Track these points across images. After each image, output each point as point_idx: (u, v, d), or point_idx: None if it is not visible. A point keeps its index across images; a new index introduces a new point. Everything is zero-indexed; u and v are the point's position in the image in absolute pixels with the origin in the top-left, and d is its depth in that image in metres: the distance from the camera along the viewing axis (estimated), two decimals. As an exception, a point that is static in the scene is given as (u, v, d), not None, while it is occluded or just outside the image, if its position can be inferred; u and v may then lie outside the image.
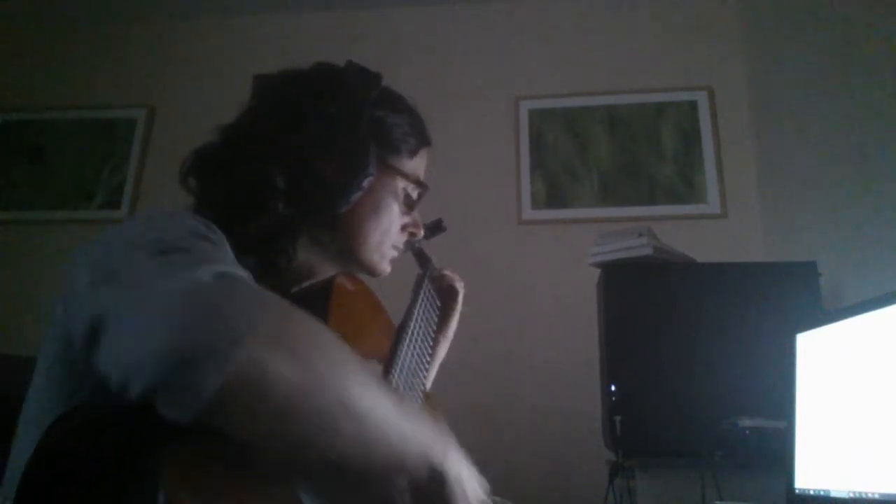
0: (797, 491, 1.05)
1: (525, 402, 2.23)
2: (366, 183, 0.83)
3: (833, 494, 0.96)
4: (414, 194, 0.91)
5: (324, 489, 0.57)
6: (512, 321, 2.32)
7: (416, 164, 0.92)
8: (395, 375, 0.82)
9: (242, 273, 0.57)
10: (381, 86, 0.89)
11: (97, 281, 0.54)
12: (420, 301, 1.01)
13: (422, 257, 1.13)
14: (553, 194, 2.49)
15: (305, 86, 0.87)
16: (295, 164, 0.80)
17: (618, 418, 1.45)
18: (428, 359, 0.97)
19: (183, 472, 0.47)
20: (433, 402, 0.97)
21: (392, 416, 0.56)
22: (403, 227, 0.92)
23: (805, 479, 1.05)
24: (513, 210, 2.48)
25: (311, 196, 0.81)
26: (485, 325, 2.25)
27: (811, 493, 1.02)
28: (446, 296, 1.14)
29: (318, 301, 0.75)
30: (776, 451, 1.17)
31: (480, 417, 2.14)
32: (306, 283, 0.87)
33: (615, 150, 2.52)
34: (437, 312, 1.10)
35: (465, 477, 0.61)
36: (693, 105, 2.52)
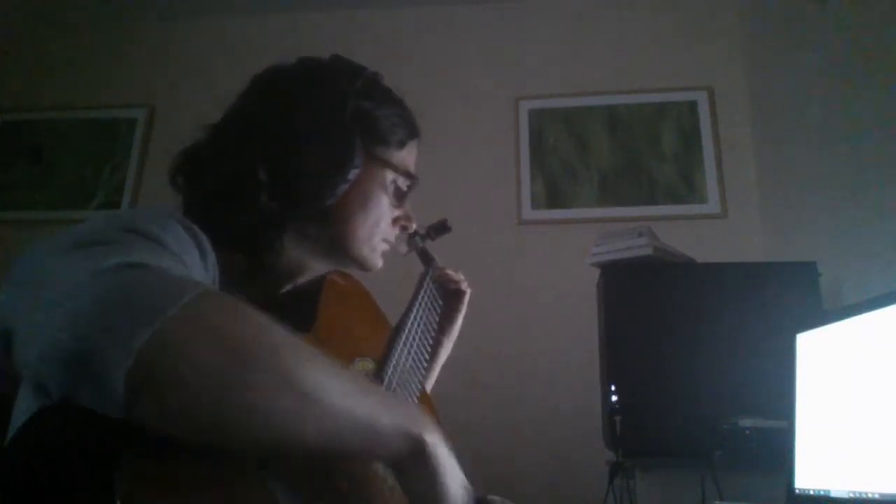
0: (797, 491, 1.05)
1: (525, 402, 2.22)
2: (352, 175, 0.82)
3: (833, 494, 0.96)
4: (404, 186, 0.89)
5: (298, 481, 0.55)
6: (512, 321, 2.32)
7: (405, 156, 0.90)
8: (388, 374, 0.81)
9: (167, 264, 0.53)
10: (366, 77, 0.88)
11: (13, 283, 0.53)
12: (420, 301, 1.00)
13: (425, 257, 1.12)
14: (553, 194, 2.49)
15: (289, 79, 0.86)
16: (278, 157, 0.79)
17: (618, 418, 1.45)
18: (426, 358, 0.95)
19: (145, 472, 0.45)
20: (430, 405, 0.96)
21: (353, 390, 0.53)
22: (395, 221, 0.90)
23: (805, 479, 1.05)
24: (513, 210, 2.48)
25: (295, 188, 0.79)
26: (485, 326, 2.25)
27: (811, 493, 1.02)
28: (450, 297, 1.13)
29: (308, 299, 0.74)
30: (776, 451, 1.17)
31: (480, 417, 2.14)
32: (299, 280, 0.87)
33: (615, 150, 2.52)
34: (439, 312, 1.09)
35: (449, 456, 0.59)
36: (693, 105, 2.52)
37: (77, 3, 2.85)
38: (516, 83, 2.64)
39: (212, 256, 0.64)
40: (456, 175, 2.45)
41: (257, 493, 0.52)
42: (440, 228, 1.11)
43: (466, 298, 1.15)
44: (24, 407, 0.58)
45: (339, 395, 0.51)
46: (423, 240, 1.13)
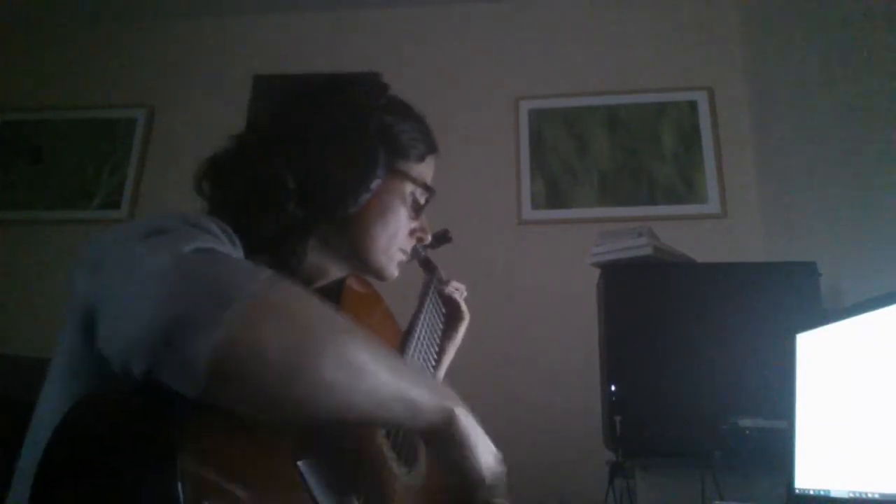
0: (797, 491, 1.05)
1: (525, 402, 2.22)
2: (374, 185, 0.85)
3: (833, 494, 0.96)
4: (421, 199, 0.93)
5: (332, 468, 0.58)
6: (512, 321, 2.32)
7: (424, 170, 0.93)
8: None
9: (230, 250, 0.58)
10: (389, 94, 0.92)
11: (90, 270, 0.56)
12: (426, 309, 1.02)
13: (428, 266, 1.15)
14: (553, 194, 2.49)
15: (317, 93, 0.90)
16: (305, 166, 0.82)
17: (618, 418, 1.45)
18: (433, 364, 0.98)
19: (204, 447, 0.47)
20: None
21: (398, 367, 0.58)
22: (411, 232, 0.94)
23: (805, 479, 1.05)
24: (513, 210, 2.48)
25: (320, 196, 0.83)
26: (485, 325, 2.24)
27: (811, 493, 1.02)
28: (451, 305, 1.16)
29: (330, 298, 0.76)
30: (776, 451, 1.17)
31: (480, 417, 2.13)
32: (318, 284, 0.89)
33: (615, 150, 2.52)
34: (443, 319, 1.11)
35: (481, 431, 0.66)
36: (693, 105, 2.52)
37: (77, 3, 2.85)
38: (516, 83, 2.64)
39: (241, 253, 0.67)
40: (456, 175, 2.44)
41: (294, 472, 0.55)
42: (441, 238, 1.14)
43: (465, 325, 1.18)
44: (53, 397, 0.61)
45: (386, 370, 0.56)
46: (424, 248, 1.15)
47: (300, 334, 0.51)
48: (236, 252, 0.65)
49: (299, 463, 0.56)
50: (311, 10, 2.81)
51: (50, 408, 0.62)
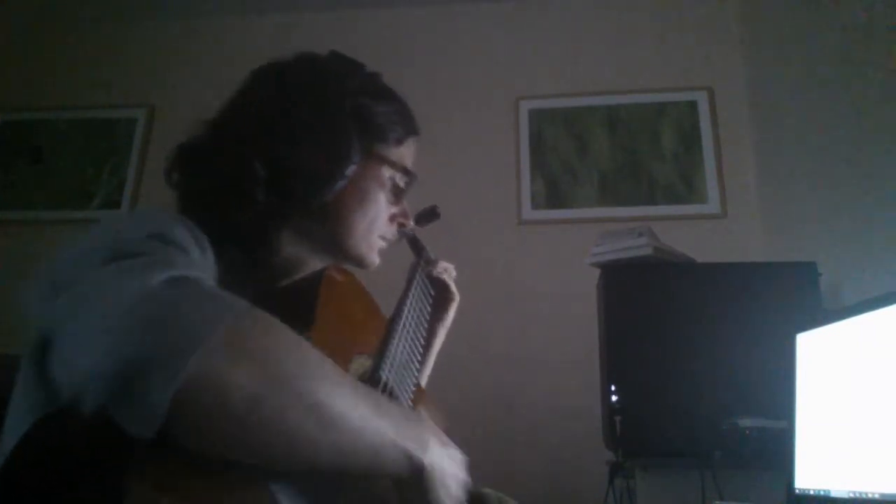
0: (797, 491, 1.05)
1: (525, 402, 2.22)
2: (349, 171, 0.81)
3: (833, 494, 0.96)
4: (402, 183, 0.89)
5: (306, 490, 0.56)
6: (512, 321, 2.32)
7: (403, 153, 0.90)
8: (385, 371, 0.80)
9: (201, 274, 0.55)
10: (364, 74, 0.88)
11: (50, 290, 0.53)
12: (412, 292, 0.98)
13: (416, 245, 1.10)
14: (553, 194, 2.49)
15: (287, 75, 0.86)
16: (275, 153, 0.79)
17: (618, 418, 1.45)
18: (420, 350, 0.95)
19: (162, 475, 0.45)
20: (426, 397, 0.95)
21: (366, 414, 0.55)
22: (392, 218, 0.91)
23: (805, 479, 1.05)
24: (513, 210, 2.48)
25: (292, 185, 0.79)
26: (485, 325, 2.25)
27: (811, 493, 1.02)
28: (440, 286, 1.12)
29: (307, 295, 0.73)
30: (776, 451, 1.17)
31: (480, 417, 2.14)
32: (297, 276, 0.86)
33: (615, 150, 2.52)
34: (431, 302, 1.08)
35: (447, 467, 0.63)
36: (693, 105, 2.52)
37: (77, 3, 2.85)
38: (516, 83, 2.64)
39: (211, 255, 0.64)
40: (456, 175, 2.45)
41: (261, 494, 0.53)
42: (429, 215, 1.10)
43: (455, 305, 1.15)
44: (20, 412, 0.58)
45: (356, 419, 0.54)
46: (412, 227, 1.11)
47: (267, 381, 0.48)
48: (206, 259, 0.63)
49: (272, 486, 0.53)
50: (311, 10, 2.81)
51: (14, 419, 0.60)
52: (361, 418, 0.54)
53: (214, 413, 0.46)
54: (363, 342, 0.82)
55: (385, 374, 0.79)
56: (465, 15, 2.77)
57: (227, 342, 0.47)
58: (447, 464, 0.63)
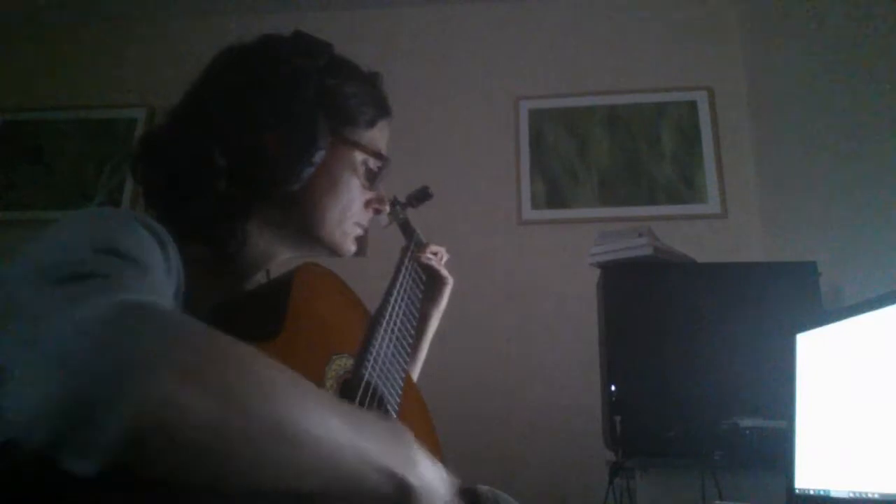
0: (797, 491, 1.05)
1: (525, 402, 2.22)
2: (317, 157, 0.78)
3: (833, 494, 0.96)
4: (375, 167, 0.85)
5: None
6: (512, 321, 2.32)
7: (375, 136, 0.86)
8: (368, 369, 0.76)
9: (154, 297, 0.51)
10: (331, 54, 0.84)
11: None
12: (400, 280, 0.95)
13: (406, 229, 1.07)
14: (553, 194, 2.49)
15: (248, 57, 0.83)
16: (237, 141, 0.75)
17: (618, 418, 1.45)
18: (409, 341, 0.91)
19: None
20: (415, 393, 0.91)
21: (344, 436, 0.51)
22: (367, 203, 0.86)
23: (805, 479, 1.05)
24: (513, 210, 2.48)
25: (255, 173, 0.76)
26: (485, 325, 2.25)
27: (811, 493, 1.02)
28: (430, 272, 1.09)
29: (277, 295, 0.70)
30: (776, 451, 1.17)
31: (481, 417, 2.14)
32: (268, 268, 0.83)
33: (615, 150, 2.52)
34: (422, 288, 1.04)
35: (432, 483, 0.58)
36: (693, 105, 2.52)
37: (77, 3, 2.85)
38: (516, 83, 2.64)
39: (175, 255, 0.62)
40: (456, 175, 2.45)
41: None
42: (421, 196, 1.07)
43: (448, 289, 1.11)
44: None
45: (330, 442, 0.50)
46: (403, 209, 1.07)
47: (226, 406, 0.45)
48: (168, 263, 0.60)
49: None
50: (311, 10, 2.82)
51: None
52: (340, 440, 0.50)
53: (169, 444, 0.42)
54: (342, 341, 0.78)
55: (367, 373, 0.76)
56: (465, 15, 2.77)
57: (182, 370, 0.43)
58: (436, 485, 0.58)
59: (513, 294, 2.36)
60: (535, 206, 2.48)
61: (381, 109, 0.87)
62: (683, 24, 2.63)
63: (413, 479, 0.54)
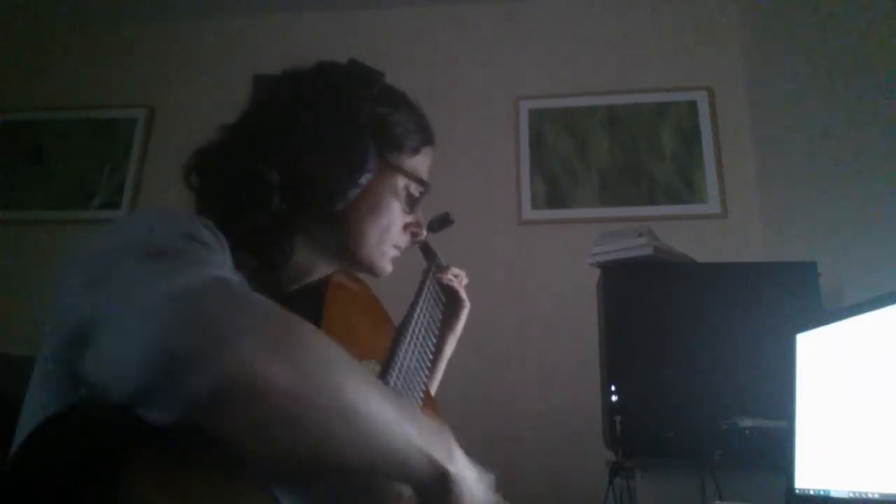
0: (797, 491, 1.05)
1: (525, 402, 2.23)
2: (364, 180, 0.82)
3: (833, 494, 0.96)
4: (416, 193, 0.89)
5: (306, 496, 0.56)
6: (512, 321, 2.32)
7: (419, 163, 0.90)
8: (394, 377, 0.80)
9: (234, 276, 0.56)
10: (382, 83, 0.88)
11: (88, 283, 0.53)
12: (423, 299, 0.99)
13: (427, 252, 1.11)
14: (553, 194, 2.49)
15: (304, 83, 0.87)
16: (291, 160, 0.80)
17: (618, 418, 1.45)
18: (430, 357, 0.95)
19: (156, 477, 0.45)
20: (434, 406, 0.95)
21: (394, 418, 0.55)
22: (405, 227, 0.91)
23: (805, 479, 1.05)
24: (513, 210, 2.48)
25: (306, 192, 0.80)
26: (485, 325, 2.25)
27: (811, 493, 1.02)
28: (450, 293, 1.13)
29: (313, 299, 0.73)
30: (776, 451, 1.17)
31: (481, 417, 2.14)
32: (307, 281, 0.86)
33: (615, 150, 2.52)
34: (442, 309, 1.08)
35: (470, 478, 0.62)
36: (693, 105, 2.52)
37: (77, 3, 2.85)
38: (516, 83, 2.65)
39: (229, 257, 0.65)
40: (456, 175, 2.44)
41: (262, 496, 0.53)
42: (443, 221, 1.10)
43: (465, 313, 1.15)
44: (31, 410, 0.59)
45: (384, 422, 0.54)
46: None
47: (303, 378, 0.49)
48: (225, 257, 0.63)
49: (274, 491, 0.53)
50: (311, 10, 2.81)
51: (30, 412, 0.61)
52: (390, 421, 0.54)
53: (248, 407, 0.47)
54: (370, 347, 0.81)
55: (393, 380, 0.79)
56: (465, 15, 2.77)
57: (264, 339, 0.48)
58: (470, 476, 0.62)
59: (513, 294, 2.36)
60: (535, 206, 2.48)
61: (426, 137, 0.92)
62: (683, 24, 2.63)
63: (452, 469, 0.59)
